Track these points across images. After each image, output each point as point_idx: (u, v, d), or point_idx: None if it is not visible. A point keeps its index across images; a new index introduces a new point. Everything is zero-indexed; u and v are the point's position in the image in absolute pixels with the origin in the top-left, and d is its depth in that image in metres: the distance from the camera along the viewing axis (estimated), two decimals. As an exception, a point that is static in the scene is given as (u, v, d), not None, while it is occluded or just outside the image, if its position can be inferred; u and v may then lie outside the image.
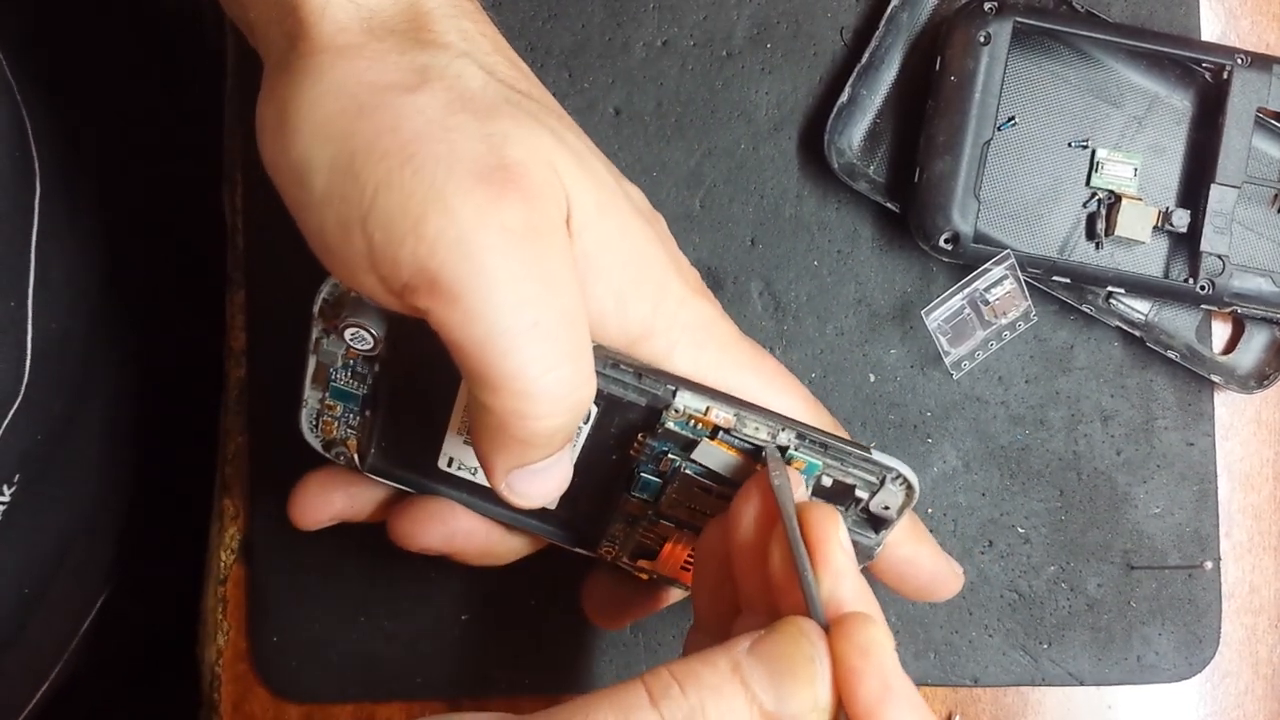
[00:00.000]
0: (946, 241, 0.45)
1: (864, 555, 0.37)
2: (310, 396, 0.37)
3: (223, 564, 0.47)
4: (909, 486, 0.35)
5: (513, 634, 0.47)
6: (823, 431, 0.35)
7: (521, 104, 0.32)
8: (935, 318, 0.45)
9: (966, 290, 0.45)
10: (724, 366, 0.35)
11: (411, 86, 0.31)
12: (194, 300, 0.52)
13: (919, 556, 0.39)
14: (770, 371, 0.36)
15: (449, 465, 0.38)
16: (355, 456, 0.38)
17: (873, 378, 0.47)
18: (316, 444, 0.38)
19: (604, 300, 0.33)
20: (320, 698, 0.47)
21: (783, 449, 0.35)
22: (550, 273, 0.30)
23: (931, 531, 0.47)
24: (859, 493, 0.36)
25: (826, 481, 0.35)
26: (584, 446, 0.36)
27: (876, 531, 0.37)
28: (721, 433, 0.35)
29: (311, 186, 0.30)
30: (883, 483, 0.35)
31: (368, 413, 0.37)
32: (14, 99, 0.42)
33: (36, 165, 0.43)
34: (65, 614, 0.53)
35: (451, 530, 0.39)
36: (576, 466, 0.36)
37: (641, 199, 0.37)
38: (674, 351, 0.34)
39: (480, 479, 0.38)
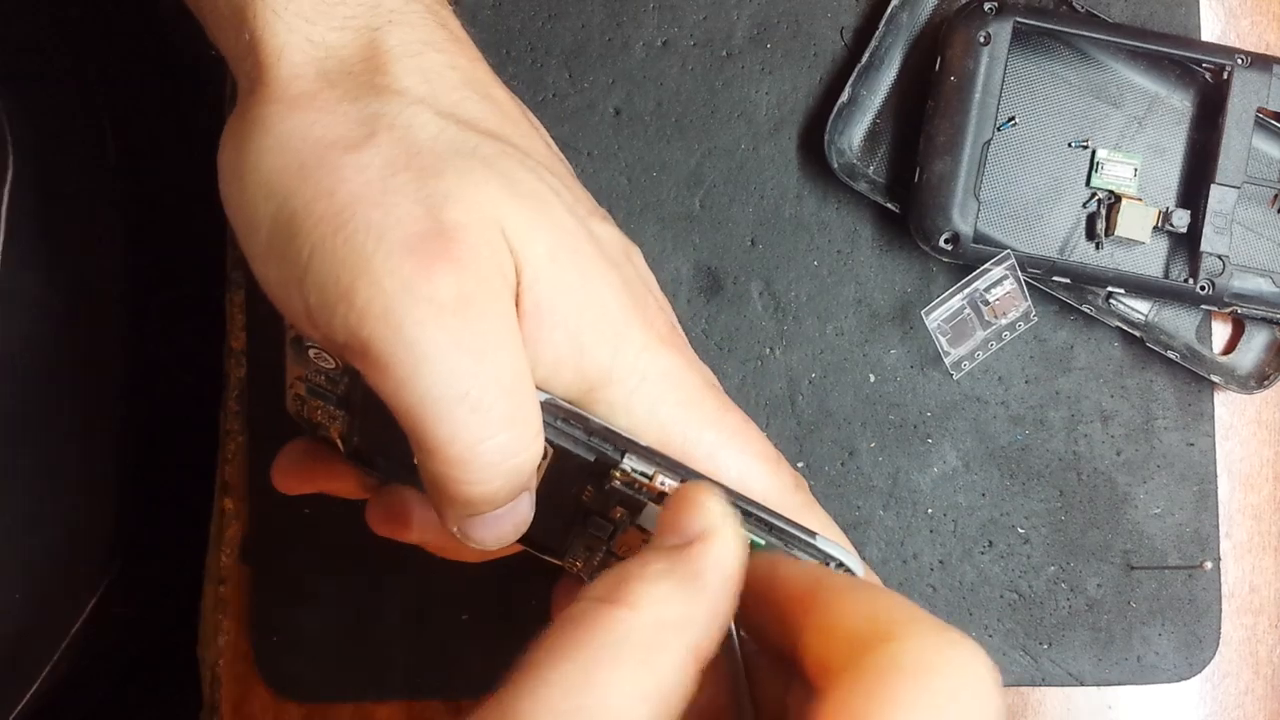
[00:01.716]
0: (946, 242, 0.45)
1: None
2: (294, 384, 0.37)
3: (223, 564, 0.47)
4: (848, 571, 0.34)
5: (513, 634, 0.47)
6: (769, 511, 0.34)
7: (478, 150, 0.32)
8: (935, 318, 0.45)
9: (966, 290, 0.45)
10: (681, 420, 0.34)
11: (354, 144, 0.31)
12: (194, 300, 0.52)
13: None
14: (732, 428, 0.35)
15: None
16: (338, 441, 0.38)
17: (873, 378, 0.47)
18: (303, 424, 0.38)
19: (560, 346, 0.32)
20: (320, 698, 0.47)
21: None
22: (483, 342, 0.30)
23: (932, 532, 0.47)
24: None
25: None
26: (546, 473, 0.35)
27: None
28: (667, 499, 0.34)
29: (257, 239, 0.31)
30: (827, 564, 0.34)
31: (343, 412, 0.37)
32: None
33: (10, 163, 0.43)
34: (68, 612, 0.53)
35: (420, 523, 0.38)
36: (539, 491, 0.35)
37: (612, 236, 0.36)
38: (631, 400, 0.33)
39: None
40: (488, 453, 0.30)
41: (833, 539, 0.33)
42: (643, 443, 0.34)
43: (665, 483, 0.33)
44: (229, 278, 0.47)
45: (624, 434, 0.34)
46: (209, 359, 0.48)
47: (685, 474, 0.33)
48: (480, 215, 0.30)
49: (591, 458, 0.34)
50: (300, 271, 0.30)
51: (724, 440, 0.34)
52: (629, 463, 0.34)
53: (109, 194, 0.51)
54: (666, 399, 0.34)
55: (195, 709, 0.48)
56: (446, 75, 0.33)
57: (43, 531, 0.49)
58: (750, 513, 0.33)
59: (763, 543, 0.33)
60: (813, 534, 0.33)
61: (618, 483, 0.34)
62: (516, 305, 0.31)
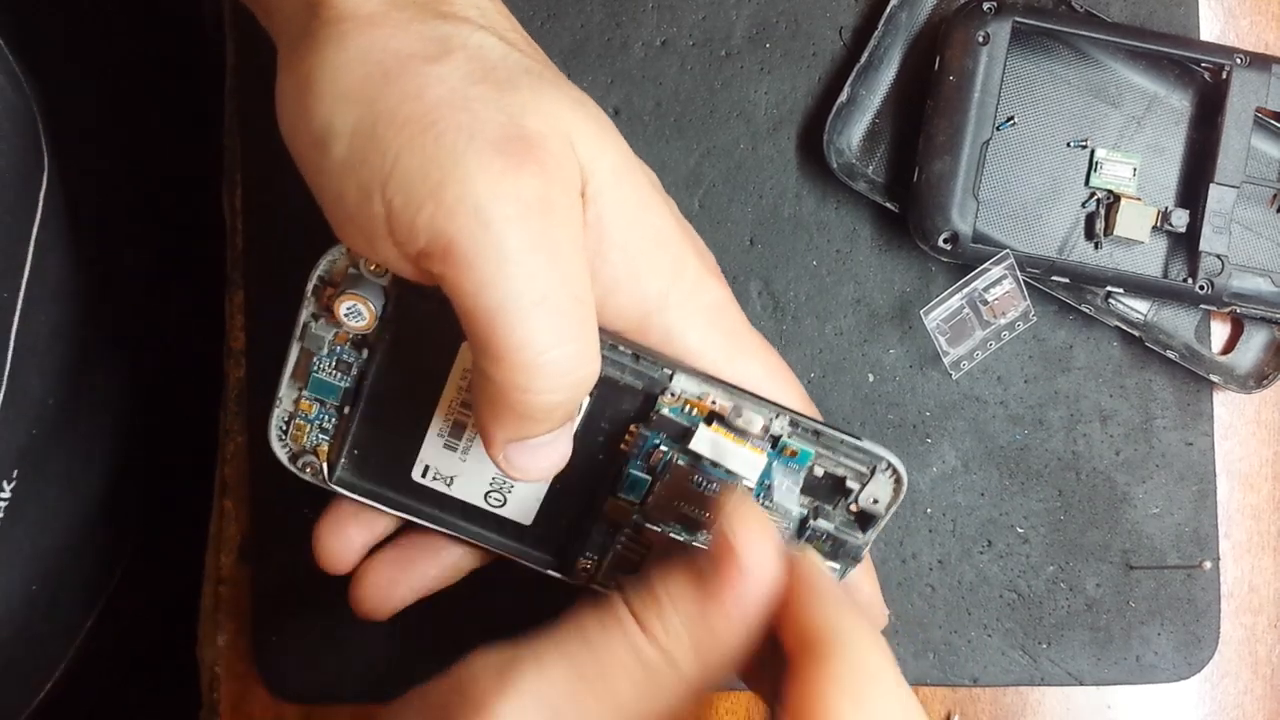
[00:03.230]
0: (945, 241, 0.45)
1: (851, 556, 0.37)
2: (285, 395, 0.37)
3: (223, 564, 0.47)
4: (898, 479, 0.36)
5: (513, 634, 0.47)
6: (816, 420, 0.35)
7: (542, 74, 0.33)
8: (934, 318, 0.45)
9: (965, 290, 0.45)
10: (732, 351, 0.35)
11: (433, 56, 0.31)
12: (194, 300, 0.52)
13: (860, 584, 0.39)
14: (775, 365, 0.36)
15: (423, 475, 0.37)
16: (324, 466, 0.37)
17: (872, 378, 0.47)
18: (283, 455, 0.38)
19: (618, 268, 0.33)
20: (320, 698, 0.47)
21: (776, 437, 0.35)
22: (561, 249, 0.31)
23: (930, 532, 0.47)
24: (849, 484, 0.36)
25: (819, 471, 0.35)
26: (582, 423, 0.36)
27: (864, 530, 0.37)
28: (717, 420, 0.35)
29: (332, 153, 0.31)
30: (873, 473, 0.35)
31: (346, 409, 0.37)
32: (24, 94, 0.42)
33: (45, 160, 0.43)
34: (69, 612, 0.53)
35: (411, 587, 0.39)
36: (558, 478, 0.36)
37: (657, 181, 0.37)
38: (687, 328, 0.34)
39: (453, 491, 0.37)
40: (557, 360, 0.30)
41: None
42: (692, 365, 0.34)
43: (717, 402, 0.34)
44: (229, 278, 0.47)
45: (676, 356, 0.34)
46: (209, 359, 0.49)
47: (734, 393, 0.34)
48: (555, 126, 0.31)
49: (639, 384, 0.34)
50: (384, 175, 0.30)
51: (768, 374, 0.36)
52: (679, 383, 0.34)
53: (120, 192, 0.51)
54: (718, 328, 0.35)
55: (195, 709, 0.48)
56: (496, 17, 0.34)
57: (62, 525, 0.49)
58: (798, 421, 0.35)
59: (811, 451, 0.35)
60: (858, 437, 0.35)
61: (667, 409, 0.34)
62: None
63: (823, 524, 0.36)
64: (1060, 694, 0.48)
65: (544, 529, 0.38)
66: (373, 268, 0.34)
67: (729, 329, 0.36)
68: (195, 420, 0.50)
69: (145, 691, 0.63)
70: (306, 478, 0.38)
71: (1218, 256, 0.45)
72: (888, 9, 0.46)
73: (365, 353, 0.36)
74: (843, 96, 0.46)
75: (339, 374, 0.36)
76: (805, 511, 0.36)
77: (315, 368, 0.36)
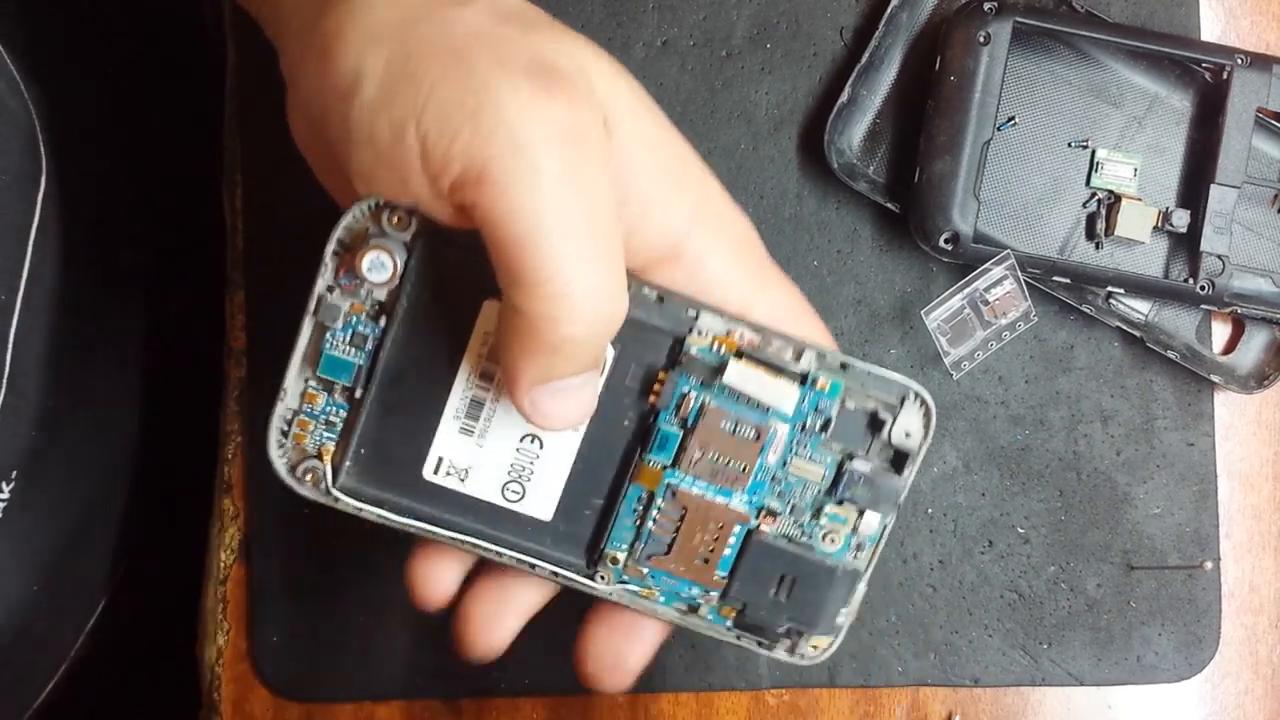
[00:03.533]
0: (946, 241, 0.45)
1: (890, 500, 0.36)
2: (292, 385, 0.35)
3: (223, 564, 0.47)
4: (927, 409, 0.36)
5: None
6: (840, 353, 0.35)
7: (555, 22, 0.33)
8: (935, 318, 0.45)
9: (966, 290, 0.45)
10: (759, 284, 0.35)
11: (458, 2, 0.32)
12: (194, 300, 0.52)
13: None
14: (799, 299, 0.37)
15: (436, 471, 0.36)
16: (328, 470, 0.36)
17: (872, 378, 0.47)
18: (282, 465, 0.36)
19: (645, 198, 0.33)
20: (320, 698, 0.47)
21: (805, 373, 0.35)
22: (592, 180, 0.31)
23: (932, 532, 0.47)
24: (881, 415, 0.35)
25: (850, 405, 0.35)
26: (589, 426, 0.35)
27: (900, 471, 0.36)
28: (746, 356, 0.35)
29: (364, 94, 0.31)
30: (902, 403, 0.35)
31: (358, 393, 0.35)
32: (21, 96, 0.42)
33: (44, 162, 0.43)
34: (70, 613, 0.53)
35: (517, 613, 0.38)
36: (582, 448, 0.35)
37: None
38: (711, 256, 0.34)
39: (468, 488, 0.36)
40: (591, 288, 0.31)
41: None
42: (717, 301, 0.34)
43: (744, 336, 0.34)
44: (229, 278, 0.47)
45: (699, 295, 0.34)
46: (209, 359, 0.48)
47: (760, 328, 0.34)
48: (578, 63, 0.32)
49: (666, 325, 0.34)
50: (419, 106, 0.30)
51: (794, 306, 0.36)
52: (704, 321, 0.34)
53: (120, 193, 0.51)
54: (742, 261, 0.35)
55: (195, 709, 0.48)
56: None
57: (64, 525, 0.49)
58: (824, 355, 0.35)
59: (840, 383, 0.35)
60: (883, 368, 0.35)
61: (695, 349, 0.34)
62: None
63: (859, 465, 0.36)
64: (1061, 694, 0.48)
65: (566, 523, 0.37)
66: (395, 221, 0.34)
67: (755, 261, 0.36)
68: (195, 420, 0.50)
69: (145, 691, 0.63)
70: (305, 491, 0.36)
71: (1219, 257, 0.45)
72: (888, 9, 0.46)
73: (382, 322, 0.35)
74: (843, 97, 0.46)
75: (354, 349, 0.35)
76: (840, 457, 0.36)
77: (328, 344, 0.35)
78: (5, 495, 0.44)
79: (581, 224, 0.30)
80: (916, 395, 0.35)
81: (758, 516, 0.36)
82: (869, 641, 0.47)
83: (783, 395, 0.35)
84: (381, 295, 0.35)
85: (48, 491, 0.47)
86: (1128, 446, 0.48)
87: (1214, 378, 0.47)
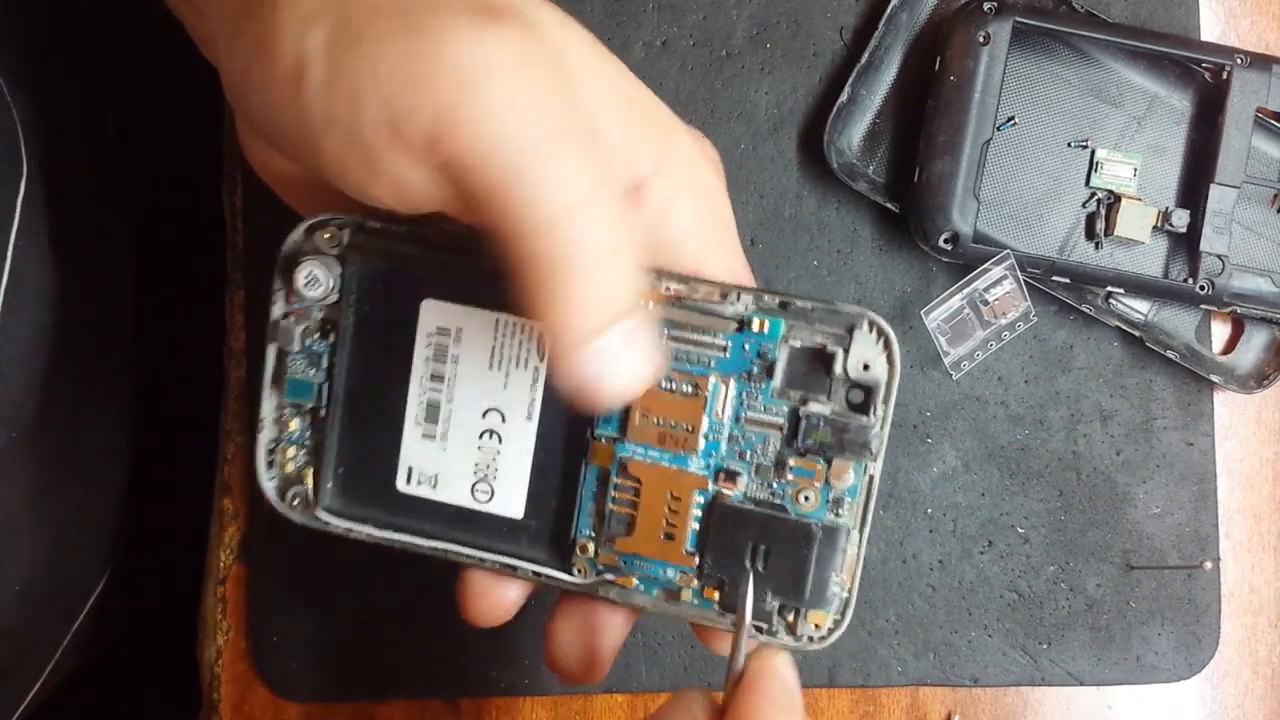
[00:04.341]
0: (946, 241, 0.45)
1: (861, 444, 0.33)
2: (268, 411, 0.35)
3: (223, 564, 0.47)
4: (885, 337, 0.33)
5: (512, 634, 0.47)
6: (776, 291, 0.33)
7: None
8: (935, 318, 0.45)
9: (966, 290, 0.45)
10: (719, 243, 0.33)
11: None
12: (194, 300, 0.52)
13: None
14: (744, 267, 0.35)
15: (408, 480, 0.36)
16: (310, 492, 0.36)
17: (872, 378, 0.47)
18: (272, 490, 0.36)
19: (608, 138, 0.31)
20: (320, 698, 0.47)
21: (741, 318, 0.33)
22: (561, 91, 0.29)
23: (931, 532, 0.47)
24: (830, 350, 0.33)
25: (795, 343, 0.33)
26: (541, 411, 0.35)
27: (868, 413, 0.33)
28: (675, 305, 0.33)
29: (312, 76, 0.30)
30: (851, 333, 0.33)
31: (323, 412, 0.35)
32: (3, 98, 0.42)
33: (24, 165, 0.43)
34: (60, 612, 0.53)
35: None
36: (540, 436, 0.34)
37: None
38: (674, 207, 0.33)
39: (439, 494, 0.36)
40: (587, 196, 0.29)
41: None
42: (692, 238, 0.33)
43: (671, 288, 0.33)
44: (229, 278, 0.47)
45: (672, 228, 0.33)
46: (209, 359, 0.48)
47: (689, 280, 0.33)
48: (524, 5, 0.30)
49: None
50: (371, 71, 0.29)
51: (742, 273, 0.34)
52: (667, 281, 0.33)
53: (114, 192, 0.51)
54: (705, 220, 0.33)
55: (195, 709, 0.48)
56: None
57: (46, 527, 0.49)
58: (759, 296, 0.33)
59: (780, 320, 0.33)
60: (830, 300, 0.33)
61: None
62: None
63: (815, 408, 0.33)
64: (1061, 694, 0.48)
65: (536, 518, 0.36)
66: (327, 236, 0.34)
67: (718, 221, 0.34)
68: (195, 420, 0.50)
69: (145, 691, 0.63)
70: (295, 516, 0.36)
71: (1218, 256, 0.45)
72: (888, 9, 0.46)
73: (332, 338, 0.35)
74: (843, 97, 0.46)
75: (313, 370, 0.35)
76: (795, 403, 0.33)
77: (290, 369, 0.35)
78: (13, 491, 0.44)
79: (557, 136, 0.29)
80: (870, 323, 0.33)
81: (717, 480, 0.34)
82: (868, 641, 0.47)
83: (715, 339, 0.33)
84: (325, 312, 0.35)
85: (52, 488, 0.47)
86: (1127, 446, 0.48)
87: (1214, 377, 0.47)
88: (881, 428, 0.33)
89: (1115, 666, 0.48)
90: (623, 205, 0.30)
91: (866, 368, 0.33)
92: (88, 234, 0.48)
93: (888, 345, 0.33)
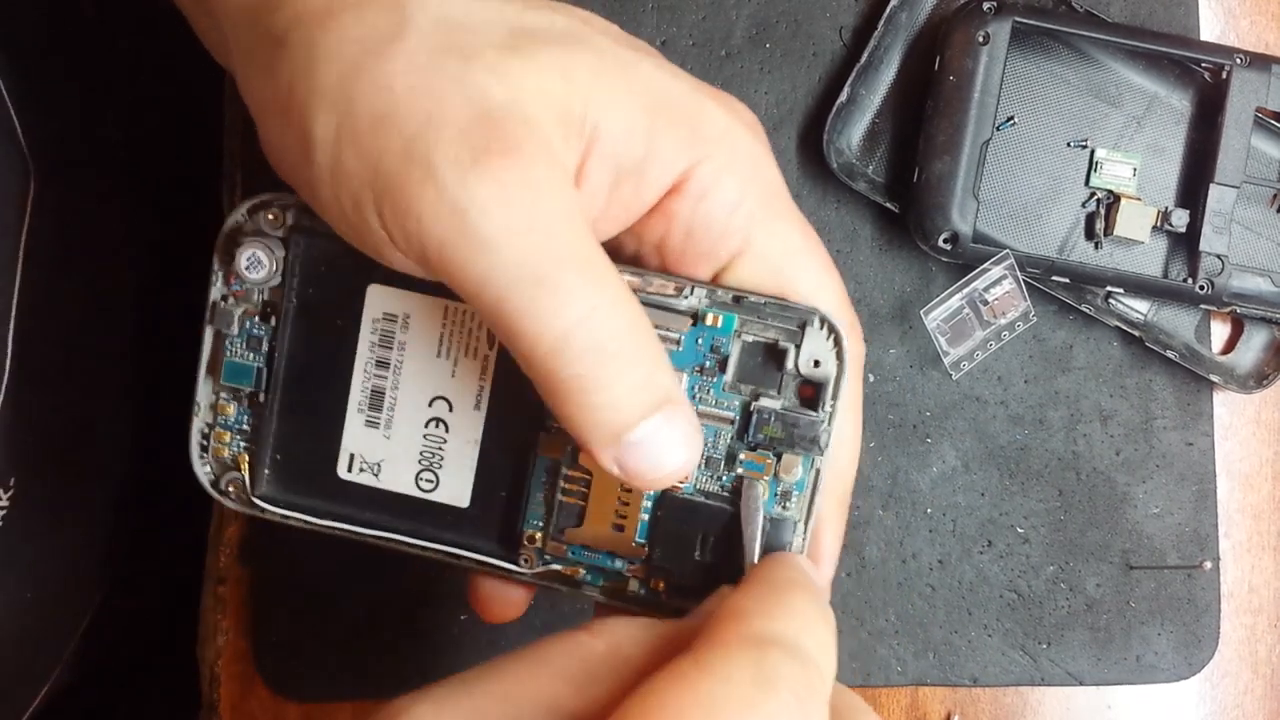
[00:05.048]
0: (945, 241, 0.45)
1: (810, 438, 0.34)
2: (202, 396, 0.35)
3: (222, 564, 0.47)
4: (833, 332, 0.33)
5: (512, 634, 0.47)
6: (731, 287, 0.33)
7: (512, 23, 0.31)
8: (934, 318, 0.45)
9: (965, 290, 0.45)
10: (767, 213, 0.33)
11: (396, 33, 0.29)
12: (194, 300, 0.52)
13: (821, 530, 0.35)
14: (806, 233, 0.34)
15: (349, 468, 0.36)
16: (247, 480, 0.35)
17: (872, 377, 0.47)
18: (206, 479, 0.36)
19: (639, 164, 0.31)
20: (320, 698, 0.47)
21: (694, 312, 0.33)
22: (551, 221, 0.29)
23: (931, 532, 0.47)
24: (781, 345, 0.33)
25: (748, 338, 0.33)
26: (490, 402, 0.34)
27: (817, 408, 0.34)
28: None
29: (318, 160, 0.30)
30: (803, 329, 0.33)
31: (262, 397, 0.35)
32: (3, 98, 0.42)
33: (30, 167, 0.43)
34: (66, 615, 0.53)
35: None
36: (488, 427, 0.34)
37: (656, 53, 0.35)
38: (718, 182, 0.32)
39: (382, 482, 0.36)
40: (582, 326, 0.29)
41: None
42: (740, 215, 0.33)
43: (625, 279, 0.32)
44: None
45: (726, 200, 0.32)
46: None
47: (643, 273, 0.33)
48: (528, 86, 0.30)
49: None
50: (370, 184, 0.29)
51: (794, 247, 0.34)
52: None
53: (114, 192, 0.51)
54: (748, 190, 0.33)
55: (195, 709, 0.48)
56: None
57: (55, 530, 0.49)
58: (713, 290, 0.33)
59: (733, 316, 0.33)
60: (784, 298, 0.33)
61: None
62: (587, 152, 0.31)
63: (766, 403, 0.33)
64: (1060, 694, 0.48)
65: (483, 509, 0.36)
66: (271, 217, 0.33)
67: (762, 188, 0.33)
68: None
69: (145, 691, 0.63)
70: (230, 503, 0.36)
71: (1218, 256, 0.45)
72: (888, 9, 0.46)
73: (273, 322, 0.34)
74: (843, 96, 0.46)
75: (251, 354, 0.35)
76: (747, 398, 0.34)
77: (229, 352, 0.35)
78: (4, 502, 0.44)
79: (550, 268, 0.29)
80: (822, 320, 0.33)
81: None
82: (868, 641, 0.47)
83: (670, 331, 0.33)
84: (267, 294, 0.34)
85: (46, 497, 0.47)
86: (1127, 446, 0.48)
87: (1213, 377, 0.47)
88: (829, 423, 0.34)
89: (1115, 666, 0.48)
90: (631, 300, 0.30)
91: (817, 364, 0.33)
92: (88, 234, 0.48)
93: (838, 342, 0.33)
